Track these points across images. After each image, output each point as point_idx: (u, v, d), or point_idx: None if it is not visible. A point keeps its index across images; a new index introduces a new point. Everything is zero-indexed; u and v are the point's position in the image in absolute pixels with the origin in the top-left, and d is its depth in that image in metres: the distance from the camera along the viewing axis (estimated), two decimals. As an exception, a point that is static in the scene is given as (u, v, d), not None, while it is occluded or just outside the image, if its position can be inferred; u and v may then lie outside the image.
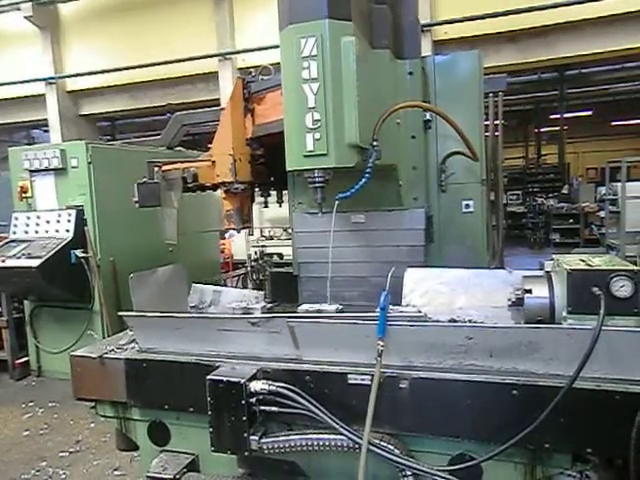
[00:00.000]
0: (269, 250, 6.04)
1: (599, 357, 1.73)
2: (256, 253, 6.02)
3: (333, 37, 2.24)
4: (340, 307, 2.62)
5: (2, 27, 12.16)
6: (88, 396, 2.59)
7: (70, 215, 4.33)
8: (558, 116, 16.31)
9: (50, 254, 4.14)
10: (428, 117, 3.04)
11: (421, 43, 3.02)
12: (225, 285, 5.89)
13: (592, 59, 9.63)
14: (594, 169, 20.45)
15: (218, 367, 2.21)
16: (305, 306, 2.64)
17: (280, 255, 5.92)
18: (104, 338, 4.35)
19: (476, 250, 3.16)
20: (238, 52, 10.23)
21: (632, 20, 8.33)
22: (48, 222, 4.39)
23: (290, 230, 3.50)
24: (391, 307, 2.17)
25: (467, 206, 3.15)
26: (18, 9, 11.29)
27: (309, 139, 2.29)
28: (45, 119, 12.10)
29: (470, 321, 2.30)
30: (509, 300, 2.36)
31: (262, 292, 2.99)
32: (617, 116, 20.43)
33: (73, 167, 4.37)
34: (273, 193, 3.64)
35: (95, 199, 4.40)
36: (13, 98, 12.44)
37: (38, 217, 4.45)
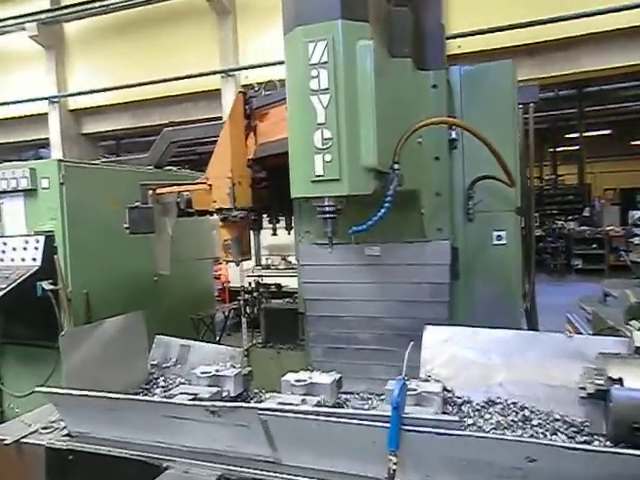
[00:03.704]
0: (266, 280, 5.57)
1: None
2: (250, 284, 5.53)
3: (347, 41, 1.89)
4: (338, 377, 2.12)
5: (8, 47, 12.04)
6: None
7: (38, 242, 3.86)
8: (574, 135, 15.90)
9: (11, 286, 3.65)
10: (454, 136, 2.65)
11: (446, 52, 2.65)
12: (224, 315, 5.43)
13: (613, 73, 9.25)
14: (612, 190, 19.90)
15: (166, 469, 1.69)
16: (290, 375, 2.10)
17: (278, 286, 5.49)
18: None
19: (510, 289, 2.74)
20: (241, 69, 10.00)
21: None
22: (15, 249, 3.92)
23: (291, 259, 3.11)
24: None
25: (499, 237, 2.74)
26: (23, 29, 11.19)
27: (318, 161, 1.92)
28: (48, 138, 11.91)
29: (514, 404, 1.78)
30: (583, 388, 1.67)
31: (240, 350, 2.51)
32: (637, 135, 19.96)
33: (44, 188, 3.94)
34: (281, 218, 3.27)
35: (67, 224, 3.94)
36: (19, 117, 12.26)
37: (4, 244, 3.97)
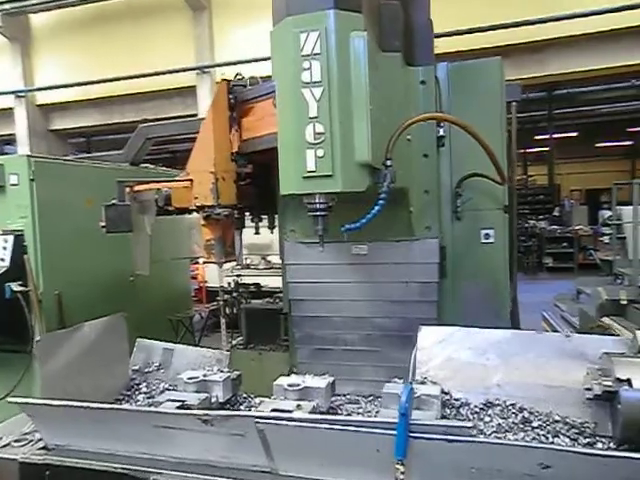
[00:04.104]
0: (245, 280, 5.45)
1: None
2: (229, 284, 5.41)
3: (340, 32, 1.83)
4: (332, 380, 2.04)
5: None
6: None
7: (6, 241, 3.67)
8: (543, 137, 16.24)
9: (-23, 288, 3.48)
10: (442, 133, 2.61)
11: (434, 48, 2.61)
12: (201, 316, 5.28)
13: (581, 77, 9.45)
14: (578, 190, 20.42)
15: None
16: (281, 379, 2.02)
17: (258, 285, 5.39)
18: None
19: (497, 288, 2.72)
20: (217, 65, 9.84)
21: (624, 37, 8.17)
22: (-18, 249, 3.73)
23: (271, 259, 2.99)
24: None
25: (487, 236, 2.72)
26: (-14, 19, 10.73)
27: (310, 157, 1.85)
28: (14, 134, 11.47)
29: (513, 406, 1.73)
30: (589, 389, 1.62)
31: (226, 353, 2.40)
32: (602, 138, 20.52)
33: (12, 185, 3.74)
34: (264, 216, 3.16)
35: (38, 222, 3.75)
36: (-19, 112, 11.77)
37: (-28, 244, 3.78)
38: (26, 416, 1.89)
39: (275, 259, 3.66)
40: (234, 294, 4.96)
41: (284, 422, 1.33)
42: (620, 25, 7.95)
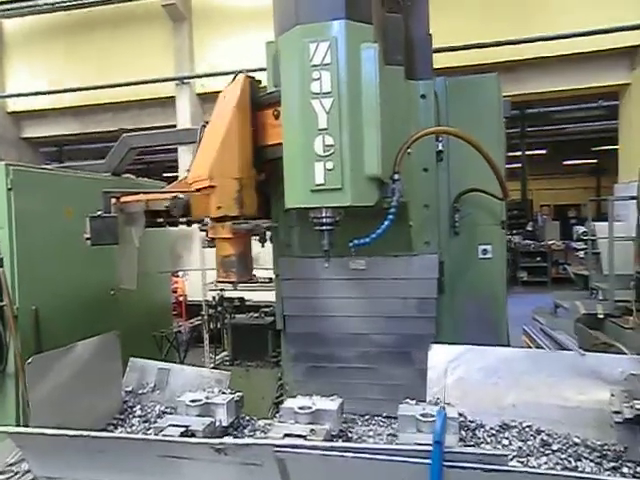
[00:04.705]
0: (228, 294, 5.29)
1: None
2: (214, 298, 5.27)
3: (351, 42, 1.79)
4: (340, 401, 1.95)
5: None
6: None
7: None
8: (515, 154, 16.66)
9: (-51, 302, 3.29)
10: (440, 147, 2.60)
11: (432, 62, 2.60)
12: (179, 332, 5.08)
13: (554, 96, 9.73)
14: (547, 206, 20.97)
15: None
16: (290, 402, 1.92)
17: (242, 300, 5.27)
18: (18, 413, 3.46)
19: (495, 303, 2.71)
20: (197, 77, 9.72)
21: (593, 59, 8.45)
22: (-45, 261, 3.53)
23: (256, 272, 2.82)
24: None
25: (484, 251, 2.71)
26: (-44, 23, 10.40)
27: (319, 169, 1.80)
28: (-17, 141, 11.08)
29: (530, 428, 1.67)
30: (618, 412, 1.56)
31: (227, 374, 2.30)
32: (569, 155, 21.17)
33: None
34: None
35: (15, 234, 3.57)
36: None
37: (-56, 256, 3.57)
38: (8, 445, 1.75)
39: (261, 273, 3.54)
40: (218, 308, 4.84)
41: (306, 451, 1.24)
42: (588, 49, 8.25)
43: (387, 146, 1.98)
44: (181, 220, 2.85)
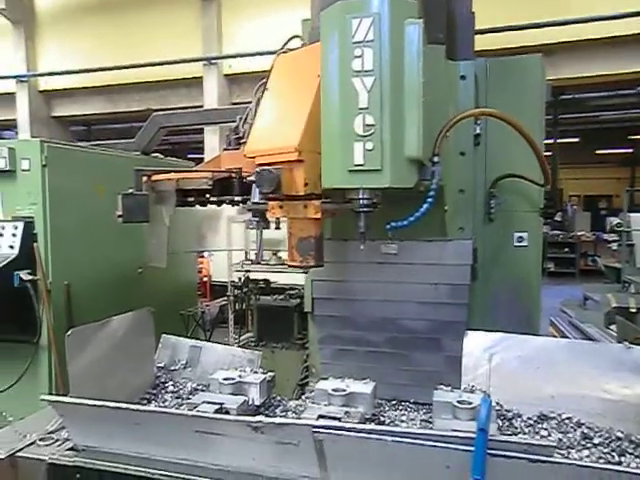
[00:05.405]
0: (253, 276, 5.31)
1: None
2: (240, 279, 5.28)
3: (395, 18, 1.72)
4: (373, 384, 1.94)
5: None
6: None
7: (16, 228, 3.52)
8: (547, 141, 16.25)
9: (-15, 275, 3.35)
10: (478, 131, 2.53)
11: (475, 43, 2.52)
12: (202, 312, 5.11)
13: (590, 82, 9.41)
14: (577, 196, 20.47)
15: None
16: (322, 383, 1.91)
17: (267, 281, 5.28)
18: (50, 383, 3.56)
19: (530, 293, 2.64)
20: (225, 57, 9.69)
21: (636, 43, 8.12)
22: (-10, 236, 3.60)
23: (282, 254, 2.78)
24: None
25: (520, 239, 2.64)
26: (-10, 2, 10.52)
27: (358, 149, 1.75)
28: (16, 119, 11.27)
29: (570, 420, 1.62)
30: None
31: (258, 353, 2.27)
32: (603, 144, 20.54)
33: (24, 170, 3.58)
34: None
35: (49, 210, 3.61)
36: (-19, 96, 11.56)
37: (-21, 230, 3.64)
38: (47, 413, 1.79)
39: (286, 255, 3.52)
40: (244, 289, 4.87)
41: (345, 432, 1.23)
42: (625, 32, 7.92)
43: (428, 127, 1.92)
44: (211, 200, 2.87)
